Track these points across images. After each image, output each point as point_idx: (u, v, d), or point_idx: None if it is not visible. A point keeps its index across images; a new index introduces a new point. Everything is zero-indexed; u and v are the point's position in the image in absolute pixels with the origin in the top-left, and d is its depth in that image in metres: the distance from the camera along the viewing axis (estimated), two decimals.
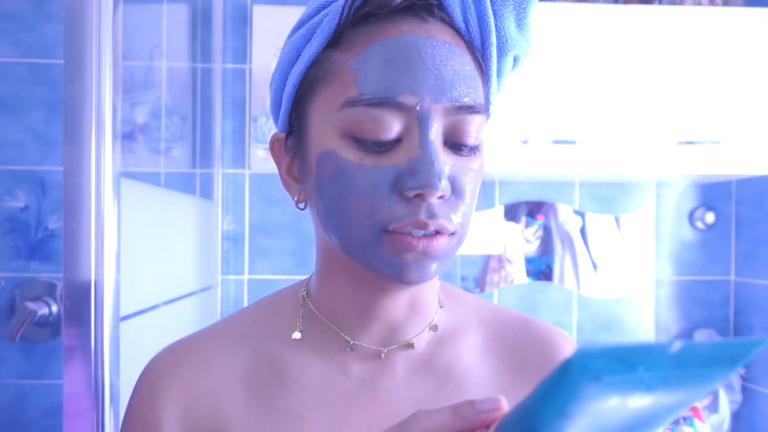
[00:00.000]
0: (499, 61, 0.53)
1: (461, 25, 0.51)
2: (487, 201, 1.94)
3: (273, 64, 1.86)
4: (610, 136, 1.63)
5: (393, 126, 0.48)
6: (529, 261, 1.97)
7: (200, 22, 1.69)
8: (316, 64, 0.51)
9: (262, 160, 1.87)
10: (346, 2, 0.49)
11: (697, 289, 1.98)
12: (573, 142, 1.62)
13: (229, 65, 1.88)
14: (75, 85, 0.68)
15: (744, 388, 1.90)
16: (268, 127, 1.87)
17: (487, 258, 1.95)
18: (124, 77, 0.78)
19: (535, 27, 0.54)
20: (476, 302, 0.65)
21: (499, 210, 1.95)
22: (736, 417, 1.90)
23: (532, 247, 1.97)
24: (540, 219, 1.97)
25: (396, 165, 0.48)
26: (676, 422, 1.70)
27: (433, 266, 0.50)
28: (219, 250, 1.85)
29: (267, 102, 1.87)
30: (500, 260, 1.95)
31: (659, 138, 1.64)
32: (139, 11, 1.26)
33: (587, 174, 1.72)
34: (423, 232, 0.48)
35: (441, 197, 0.49)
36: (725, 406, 1.81)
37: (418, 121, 0.48)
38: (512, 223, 1.95)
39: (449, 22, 0.51)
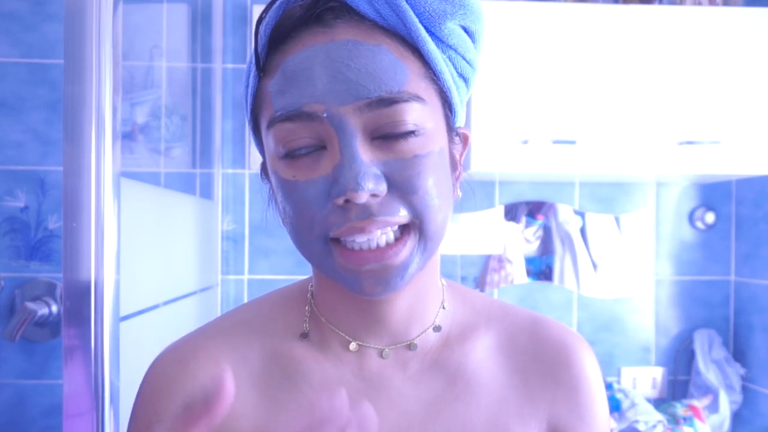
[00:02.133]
0: (435, 37, 0.51)
1: (374, 15, 0.50)
2: (487, 201, 1.94)
3: None
4: (610, 136, 1.63)
5: (307, 137, 0.48)
6: (529, 261, 1.97)
7: (200, 22, 1.69)
8: (256, 95, 0.54)
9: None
10: (255, 31, 0.51)
11: (697, 289, 1.98)
12: (573, 142, 1.61)
13: (229, 65, 1.88)
14: (75, 85, 0.68)
15: (744, 388, 1.90)
16: None
17: (487, 258, 1.95)
18: (124, 77, 0.78)
19: None
20: (485, 301, 0.65)
21: (499, 210, 1.95)
22: (736, 417, 1.90)
23: (532, 247, 1.97)
24: (540, 219, 1.97)
25: (324, 176, 0.48)
26: (677, 422, 1.70)
27: (399, 278, 0.50)
28: (219, 250, 1.85)
29: None
30: (500, 260, 1.95)
31: (659, 138, 1.64)
32: (139, 11, 1.26)
33: (587, 174, 1.72)
34: (365, 237, 0.48)
35: (375, 197, 0.48)
36: (725, 406, 1.81)
37: (332, 128, 0.48)
38: (512, 223, 1.95)
39: (360, 18, 0.50)
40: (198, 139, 1.67)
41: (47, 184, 1.68)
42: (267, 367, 0.57)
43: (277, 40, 0.51)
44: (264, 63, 0.52)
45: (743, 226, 1.94)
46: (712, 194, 1.98)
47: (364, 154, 0.48)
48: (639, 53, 1.64)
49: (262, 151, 0.57)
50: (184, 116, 1.55)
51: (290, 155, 0.50)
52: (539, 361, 0.61)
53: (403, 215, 0.49)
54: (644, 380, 1.95)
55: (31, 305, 1.54)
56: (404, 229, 0.50)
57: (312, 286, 0.61)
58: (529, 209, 1.96)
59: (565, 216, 1.96)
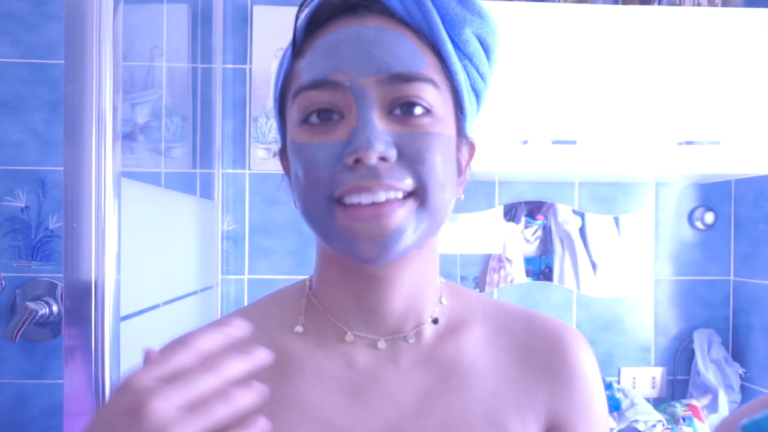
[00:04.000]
0: (454, 41, 0.55)
1: (402, 13, 0.54)
2: (487, 201, 1.94)
3: (273, 64, 1.87)
4: (610, 136, 1.64)
5: (328, 104, 0.52)
6: (528, 261, 1.97)
7: (200, 22, 1.69)
8: (287, 76, 0.57)
9: (262, 160, 1.87)
10: (295, 18, 0.56)
11: (696, 289, 1.98)
12: (573, 142, 1.62)
13: (229, 65, 1.88)
14: (75, 85, 0.68)
15: (743, 388, 1.90)
16: (268, 127, 1.87)
17: (487, 258, 1.95)
18: (124, 77, 0.78)
19: (483, 4, 0.56)
20: (480, 298, 0.66)
21: (499, 210, 1.95)
22: None
23: (532, 247, 1.98)
24: (540, 219, 1.97)
25: (339, 140, 0.51)
26: (676, 422, 1.70)
27: (397, 242, 0.51)
28: (219, 250, 1.85)
29: (267, 102, 1.87)
30: (500, 260, 1.95)
31: (659, 138, 1.64)
32: (139, 11, 1.26)
33: (587, 174, 1.72)
34: (369, 196, 0.50)
35: (383, 159, 0.50)
36: (725, 406, 1.81)
37: (353, 97, 0.51)
38: (512, 223, 1.96)
39: (391, 14, 0.55)
40: (198, 139, 1.67)
41: (48, 184, 1.68)
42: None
43: (312, 26, 0.55)
44: (300, 46, 0.56)
45: (742, 226, 1.95)
46: (712, 194, 1.98)
47: (380, 123, 0.51)
48: (639, 53, 1.64)
49: (283, 135, 0.60)
50: (184, 116, 1.56)
51: (309, 121, 0.53)
52: (535, 354, 0.61)
53: (408, 183, 0.51)
54: (644, 380, 1.95)
55: (31, 305, 1.54)
56: (406, 197, 0.52)
57: (311, 279, 0.62)
58: (528, 209, 1.96)
59: (565, 216, 1.96)
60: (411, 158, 0.51)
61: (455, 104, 0.57)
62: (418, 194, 0.52)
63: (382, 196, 0.50)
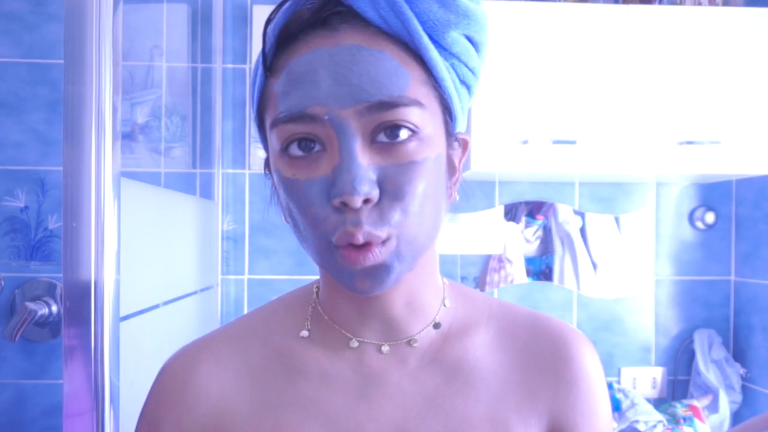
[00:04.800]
0: (438, 45, 0.52)
1: (379, 22, 0.51)
2: (487, 201, 1.94)
3: None
4: (610, 136, 1.64)
5: (309, 138, 0.50)
6: (529, 261, 1.97)
7: (200, 22, 1.69)
8: (262, 94, 0.55)
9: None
10: (264, 32, 0.53)
11: (697, 289, 1.98)
12: (573, 142, 1.61)
13: (229, 65, 1.88)
14: (75, 85, 0.68)
15: (744, 388, 1.90)
16: None
17: (487, 258, 1.95)
18: (124, 77, 0.78)
19: (467, 2, 0.52)
20: (486, 300, 0.65)
21: (499, 210, 1.95)
22: (736, 417, 1.90)
23: (532, 247, 1.97)
24: (540, 219, 1.97)
25: (324, 176, 0.50)
26: (677, 422, 1.70)
27: (388, 274, 0.51)
28: (219, 250, 1.85)
29: None
30: (500, 260, 1.95)
31: (659, 138, 1.64)
32: (139, 11, 1.26)
33: (587, 174, 1.72)
34: (354, 240, 0.49)
35: (367, 202, 0.49)
36: (725, 406, 1.81)
37: (333, 130, 0.49)
38: (512, 223, 1.95)
39: (366, 23, 0.51)
40: (198, 139, 1.67)
41: (47, 184, 1.68)
42: (267, 366, 0.59)
43: (284, 41, 0.52)
44: (271, 63, 0.53)
45: (743, 226, 1.95)
46: (712, 194, 1.98)
47: (363, 157, 0.49)
48: (639, 53, 1.64)
49: (266, 147, 0.59)
50: (184, 116, 1.55)
51: (291, 155, 0.51)
52: (539, 357, 0.61)
53: (384, 232, 0.50)
54: (644, 380, 1.95)
55: (31, 305, 1.54)
56: (386, 240, 0.51)
57: (317, 286, 0.63)
58: (529, 209, 1.96)
59: (565, 216, 1.96)
60: (393, 194, 0.49)
61: (443, 110, 0.55)
62: (397, 237, 0.50)
63: (360, 240, 0.49)
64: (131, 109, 1.21)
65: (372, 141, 0.50)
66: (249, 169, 1.88)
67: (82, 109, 0.68)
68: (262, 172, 0.61)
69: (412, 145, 0.50)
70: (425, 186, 0.51)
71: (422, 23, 0.51)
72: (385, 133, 0.50)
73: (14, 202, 1.67)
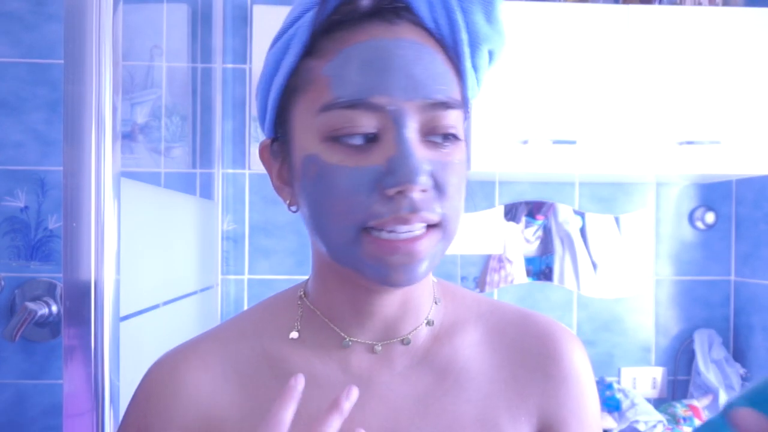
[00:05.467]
0: (473, 57, 0.54)
1: (431, 24, 0.52)
2: (487, 201, 1.94)
3: None
4: (610, 136, 1.63)
5: (368, 126, 0.49)
6: (529, 261, 1.97)
7: (200, 22, 1.69)
8: (294, 73, 0.53)
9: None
10: (316, 12, 0.51)
11: (697, 289, 1.98)
12: (573, 142, 1.61)
13: (229, 65, 1.88)
14: (75, 85, 0.68)
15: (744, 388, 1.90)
16: None
17: (487, 258, 1.95)
18: (124, 77, 0.78)
19: (505, 21, 0.55)
20: (474, 298, 0.66)
21: (499, 210, 1.95)
22: None
23: (532, 247, 1.97)
24: (540, 219, 1.97)
25: (375, 166, 0.49)
26: (677, 422, 1.70)
27: (422, 267, 0.51)
28: (219, 250, 1.85)
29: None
30: (500, 260, 1.95)
31: (659, 138, 1.64)
32: (139, 11, 1.26)
33: (587, 174, 1.72)
34: (406, 228, 0.49)
35: (423, 192, 0.50)
36: None
37: (392, 121, 0.49)
38: (512, 223, 1.95)
39: (418, 22, 0.52)
40: (198, 139, 1.67)
41: (47, 184, 1.68)
42: (256, 368, 0.58)
43: (333, 25, 0.52)
44: (315, 44, 0.52)
45: (743, 226, 1.94)
46: (712, 194, 1.98)
47: (418, 150, 0.50)
48: (639, 53, 1.64)
49: (274, 129, 0.57)
50: (184, 116, 1.55)
51: (341, 141, 0.50)
52: (528, 355, 0.61)
53: (438, 213, 0.51)
54: (644, 380, 1.95)
55: (31, 305, 1.54)
56: (431, 225, 0.52)
57: (306, 286, 0.62)
58: (529, 209, 1.96)
59: (565, 216, 1.96)
60: (440, 188, 0.51)
61: (465, 117, 0.57)
62: (442, 225, 0.52)
63: (417, 228, 0.50)
64: (131, 109, 1.21)
65: (423, 137, 0.51)
66: (249, 169, 1.88)
67: (82, 109, 0.68)
68: (266, 151, 0.59)
69: (455, 147, 0.52)
70: (461, 185, 0.53)
71: (468, 33, 0.53)
72: (437, 134, 0.51)
73: (14, 202, 1.67)
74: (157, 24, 1.37)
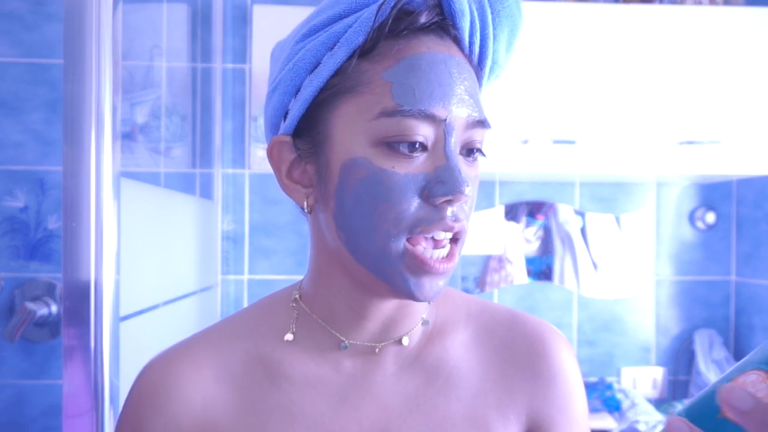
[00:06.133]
0: (487, 80, 0.59)
1: (466, 45, 0.55)
2: (487, 201, 1.94)
3: None
4: (610, 136, 1.63)
5: (424, 136, 0.51)
6: (529, 261, 1.97)
7: (200, 22, 1.68)
8: (339, 73, 0.52)
9: (262, 160, 1.87)
10: (378, 16, 0.51)
11: (697, 289, 1.98)
12: (573, 142, 1.61)
13: (229, 65, 1.88)
14: (75, 85, 0.68)
15: None
16: None
17: (487, 258, 1.95)
18: (124, 77, 0.78)
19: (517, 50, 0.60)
20: (464, 298, 0.66)
21: (499, 210, 1.94)
22: None
23: (533, 247, 1.97)
24: (540, 219, 1.97)
25: (424, 173, 0.51)
26: None
27: (444, 284, 0.54)
28: (219, 250, 1.85)
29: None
30: (500, 260, 1.95)
31: (659, 138, 1.64)
32: (139, 11, 1.26)
33: (587, 174, 1.72)
34: (448, 235, 0.52)
35: (464, 202, 0.53)
36: None
37: (444, 133, 0.51)
38: (512, 223, 1.95)
39: (458, 40, 0.55)
40: (198, 139, 1.67)
41: (47, 184, 1.68)
42: (250, 370, 0.58)
43: (393, 32, 0.52)
44: (372, 47, 0.52)
45: (744, 226, 1.94)
46: (713, 194, 1.98)
47: (462, 163, 0.53)
48: (639, 53, 1.64)
49: (299, 127, 0.55)
50: (184, 116, 1.55)
51: (393, 146, 0.51)
52: (517, 355, 0.62)
53: (464, 225, 0.54)
54: (644, 380, 1.95)
55: (30, 305, 1.54)
56: (452, 241, 0.54)
57: (301, 288, 0.62)
58: (529, 209, 1.96)
59: (565, 216, 1.96)
60: (468, 200, 0.54)
61: None
62: (460, 239, 0.54)
63: (455, 230, 0.52)
64: (131, 109, 1.21)
65: (460, 151, 0.54)
66: (249, 169, 1.88)
67: (81, 109, 0.68)
68: (279, 149, 0.56)
69: (477, 163, 0.56)
70: (476, 199, 0.57)
71: (492, 61, 0.57)
72: (470, 149, 0.54)
73: (14, 202, 1.67)
74: (156, 24, 1.37)
